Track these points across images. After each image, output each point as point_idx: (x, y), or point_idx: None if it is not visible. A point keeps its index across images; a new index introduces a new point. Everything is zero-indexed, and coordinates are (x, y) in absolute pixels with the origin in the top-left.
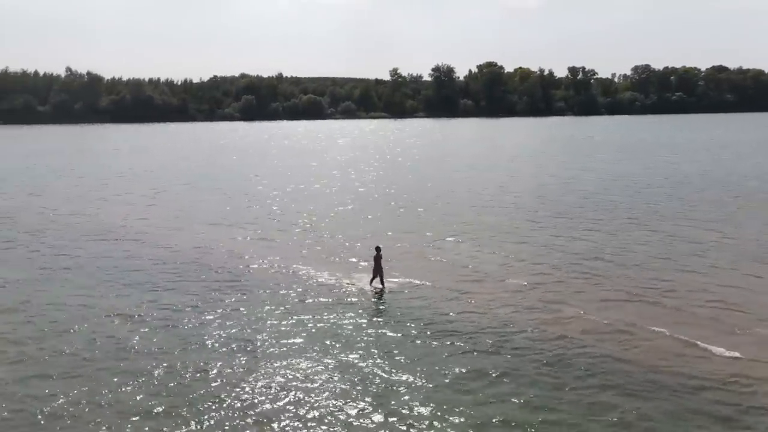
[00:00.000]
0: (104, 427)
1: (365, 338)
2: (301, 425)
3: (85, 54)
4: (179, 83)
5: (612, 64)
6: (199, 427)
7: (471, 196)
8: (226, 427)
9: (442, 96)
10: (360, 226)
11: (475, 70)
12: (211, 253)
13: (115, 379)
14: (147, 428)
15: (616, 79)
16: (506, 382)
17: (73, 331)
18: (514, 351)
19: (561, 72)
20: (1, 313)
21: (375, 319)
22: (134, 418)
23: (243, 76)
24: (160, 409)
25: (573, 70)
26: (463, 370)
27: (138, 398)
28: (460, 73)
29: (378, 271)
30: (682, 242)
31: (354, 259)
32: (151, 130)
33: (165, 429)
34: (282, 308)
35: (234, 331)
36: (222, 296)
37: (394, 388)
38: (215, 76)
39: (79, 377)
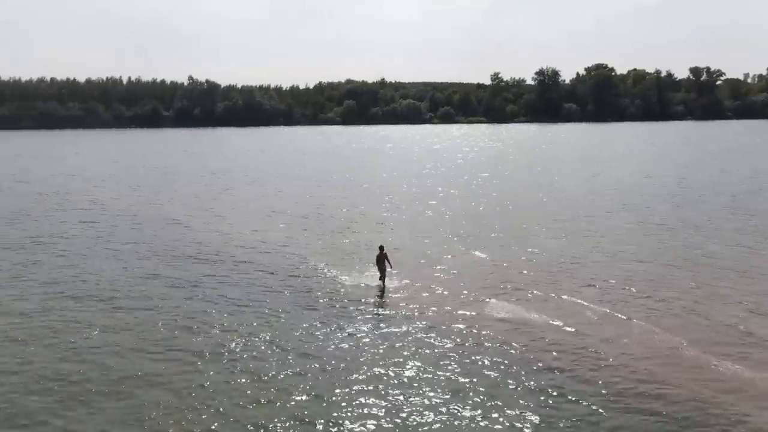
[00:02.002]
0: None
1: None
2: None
3: (205, 64)
4: (286, 89)
5: (744, 63)
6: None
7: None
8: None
9: (545, 100)
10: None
11: (582, 72)
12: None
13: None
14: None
15: (749, 80)
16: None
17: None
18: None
19: (681, 73)
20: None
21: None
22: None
23: (348, 81)
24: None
25: (695, 71)
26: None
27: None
28: (566, 76)
29: (382, 269)
30: None
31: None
32: (270, 133)
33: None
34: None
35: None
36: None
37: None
38: (320, 82)
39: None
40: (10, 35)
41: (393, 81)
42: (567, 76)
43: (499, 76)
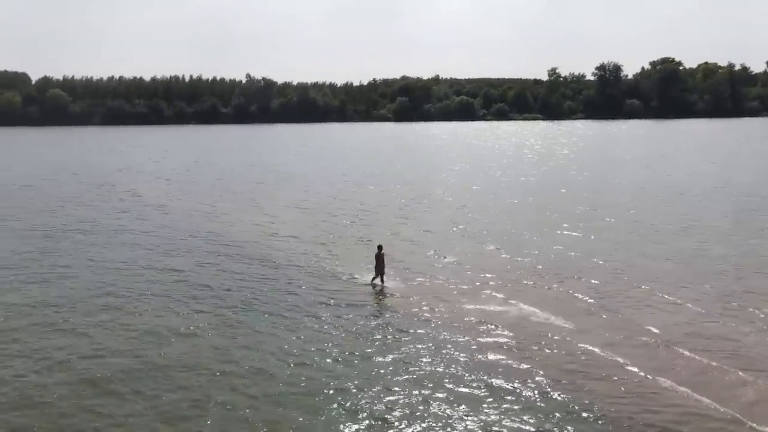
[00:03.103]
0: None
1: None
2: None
3: (263, 62)
4: (340, 86)
5: None
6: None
7: None
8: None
9: (606, 96)
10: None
11: (647, 66)
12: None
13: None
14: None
15: None
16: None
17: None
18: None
19: (758, 67)
20: None
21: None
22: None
23: (403, 78)
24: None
25: None
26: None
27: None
28: (629, 71)
29: (380, 269)
30: None
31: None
32: (319, 129)
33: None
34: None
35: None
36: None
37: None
38: (374, 79)
39: None
40: (83, 37)
41: (448, 77)
42: (630, 71)
43: (557, 71)
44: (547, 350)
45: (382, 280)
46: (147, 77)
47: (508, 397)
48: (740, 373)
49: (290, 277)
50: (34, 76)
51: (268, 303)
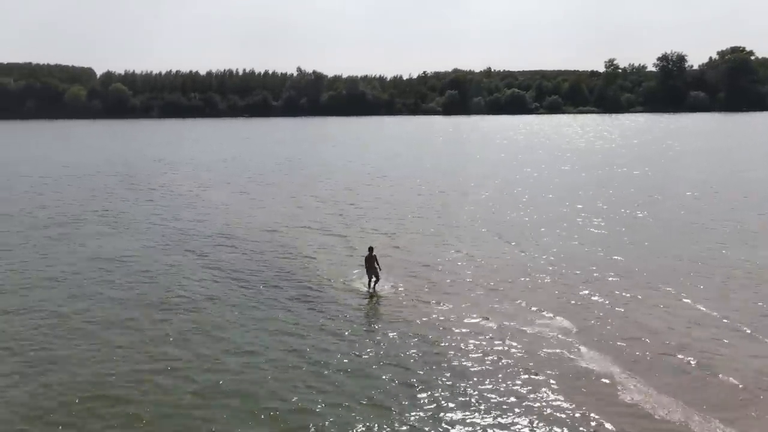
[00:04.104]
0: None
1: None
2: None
3: (314, 56)
4: (390, 79)
5: None
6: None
7: None
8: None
9: (668, 88)
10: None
11: (714, 56)
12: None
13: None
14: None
15: None
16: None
17: None
18: None
19: None
20: None
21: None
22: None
23: (455, 71)
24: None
25: None
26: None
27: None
28: (694, 61)
29: (371, 272)
30: None
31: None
32: (372, 122)
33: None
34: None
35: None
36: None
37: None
38: (424, 72)
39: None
40: (142, 32)
41: (500, 70)
42: (695, 61)
43: (615, 62)
44: (546, 357)
45: (374, 284)
46: (202, 71)
47: (505, 407)
48: None
49: (279, 275)
50: (99, 71)
51: (246, 305)
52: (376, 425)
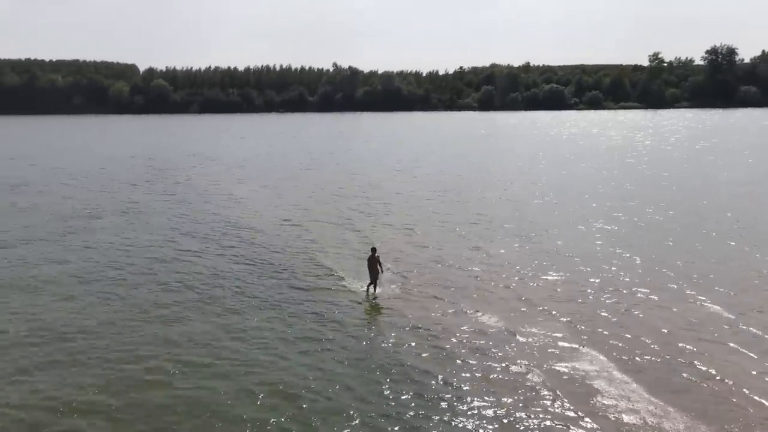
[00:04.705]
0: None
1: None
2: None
3: (351, 51)
4: (425, 75)
5: None
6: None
7: None
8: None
9: (717, 82)
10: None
11: None
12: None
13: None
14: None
15: None
16: None
17: None
18: None
19: None
20: None
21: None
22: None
23: (492, 65)
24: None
25: None
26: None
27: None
28: (745, 55)
29: (373, 272)
30: None
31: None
32: (421, 118)
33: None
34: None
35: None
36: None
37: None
38: (461, 67)
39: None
40: (182, 30)
41: (540, 64)
42: (746, 55)
43: (659, 56)
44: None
45: (375, 287)
46: (241, 67)
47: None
48: None
49: (282, 268)
50: (142, 68)
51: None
52: (368, 418)
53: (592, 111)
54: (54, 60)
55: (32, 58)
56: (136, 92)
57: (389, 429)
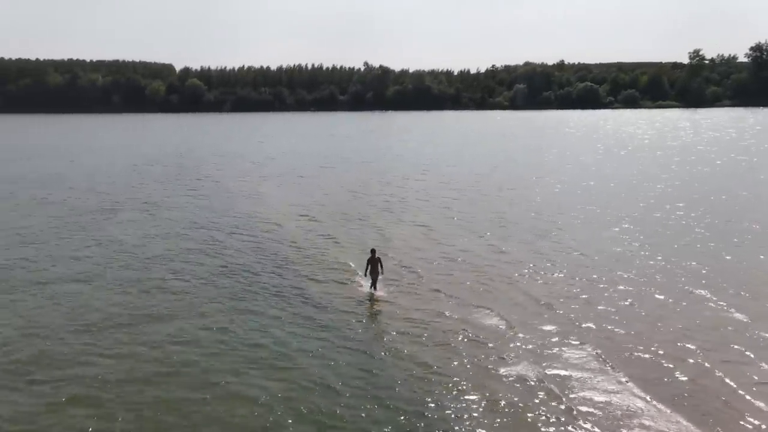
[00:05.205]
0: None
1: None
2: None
3: (383, 50)
4: (457, 73)
5: None
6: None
7: None
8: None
9: (761, 80)
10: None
11: None
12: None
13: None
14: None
15: None
16: None
17: None
18: None
19: None
20: None
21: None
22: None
23: (526, 64)
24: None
25: None
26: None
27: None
28: None
29: (374, 273)
30: None
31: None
32: (448, 117)
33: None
34: None
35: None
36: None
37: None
38: (493, 66)
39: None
40: (214, 30)
41: (575, 62)
42: None
43: (700, 53)
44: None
45: (375, 287)
46: (273, 66)
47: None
48: None
49: (284, 265)
50: (178, 67)
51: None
52: (368, 418)
53: (628, 110)
54: (95, 60)
55: (74, 58)
56: (172, 91)
57: (388, 424)
